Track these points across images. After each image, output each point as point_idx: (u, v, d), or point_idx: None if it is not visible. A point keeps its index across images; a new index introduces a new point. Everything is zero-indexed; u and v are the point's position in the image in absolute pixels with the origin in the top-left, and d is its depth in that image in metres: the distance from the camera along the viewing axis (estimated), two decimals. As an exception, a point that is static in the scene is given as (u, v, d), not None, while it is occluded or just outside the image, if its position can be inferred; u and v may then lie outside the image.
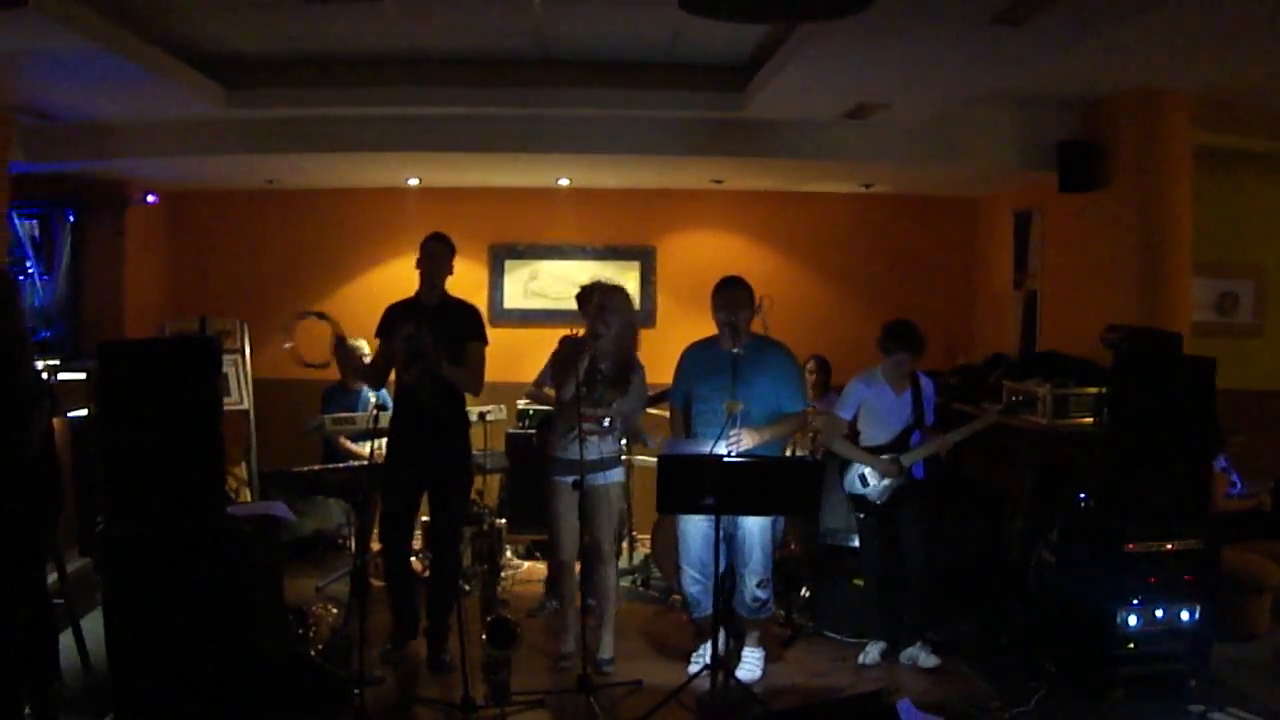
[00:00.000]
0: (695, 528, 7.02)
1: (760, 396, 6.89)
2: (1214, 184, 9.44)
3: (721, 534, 6.59)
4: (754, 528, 6.98)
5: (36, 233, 10.01)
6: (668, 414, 7.58)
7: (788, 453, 8.05)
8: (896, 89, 7.62)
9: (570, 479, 6.93)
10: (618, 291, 7.23)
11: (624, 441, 7.48)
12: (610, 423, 7.07)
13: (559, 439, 7.11)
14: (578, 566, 7.30)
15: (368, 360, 8.35)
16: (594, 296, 7.21)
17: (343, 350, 7.25)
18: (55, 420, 6.96)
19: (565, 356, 7.01)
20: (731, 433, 6.69)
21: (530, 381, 8.61)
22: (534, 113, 8.61)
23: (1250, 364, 9.57)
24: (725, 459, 6.43)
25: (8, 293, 5.98)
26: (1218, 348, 7.34)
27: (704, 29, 7.39)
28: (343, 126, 8.78)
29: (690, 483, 6.25)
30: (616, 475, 7.21)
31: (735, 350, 6.72)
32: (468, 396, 7.26)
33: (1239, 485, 8.30)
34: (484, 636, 6.66)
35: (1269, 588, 7.90)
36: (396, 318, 7.16)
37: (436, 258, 7.16)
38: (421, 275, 7.18)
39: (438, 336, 6.95)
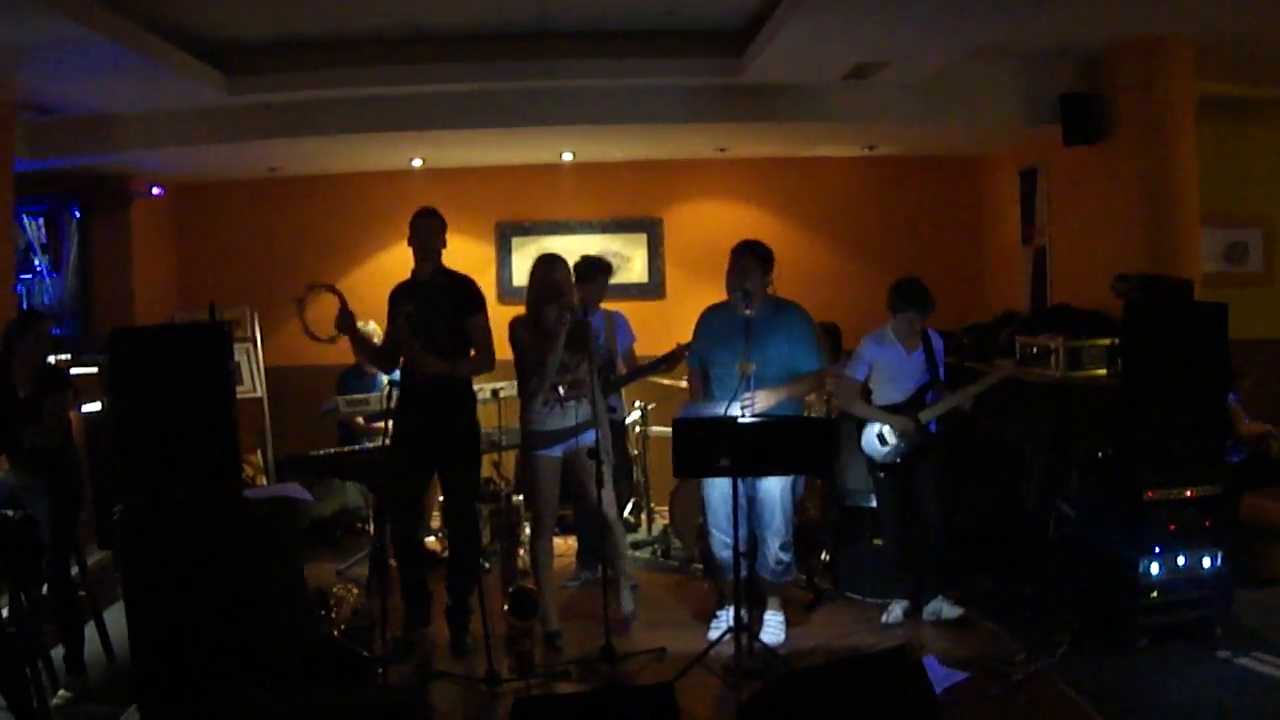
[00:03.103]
0: (719, 492, 7.02)
1: (776, 358, 6.88)
2: (1220, 134, 9.43)
3: (744, 497, 6.60)
4: (774, 489, 6.97)
5: (43, 230, 10.02)
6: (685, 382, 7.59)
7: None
8: (895, 46, 7.58)
9: (556, 450, 7.02)
10: (563, 263, 7.19)
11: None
12: (582, 384, 7.06)
13: (535, 413, 7.08)
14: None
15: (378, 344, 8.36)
16: (554, 272, 7.12)
17: (348, 324, 7.19)
18: (72, 414, 7.00)
19: (546, 336, 6.96)
20: (745, 395, 6.69)
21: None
22: (534, 85, 8.57)
23: (1261, 313, 9.54)
24: (739, 420, 6.44)
25: None
26: (1228, 298, 7.29)
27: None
28: (343, 108, 8.77)
29: (705, 445, 6.26)
30: (593, 437, 7.10)
31: (747, 313, 6.70)
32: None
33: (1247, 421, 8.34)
34: (505, 608, 6.68)
35: (1290, 533, 7.89)
36: (398, 299, 7.16)
37: (427, 232, 7.10)
38: (415, 251, 7.15)
39: (435, 313, 6.95)
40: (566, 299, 6.98)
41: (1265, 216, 10.16)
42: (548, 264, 7.12)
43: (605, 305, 8.66)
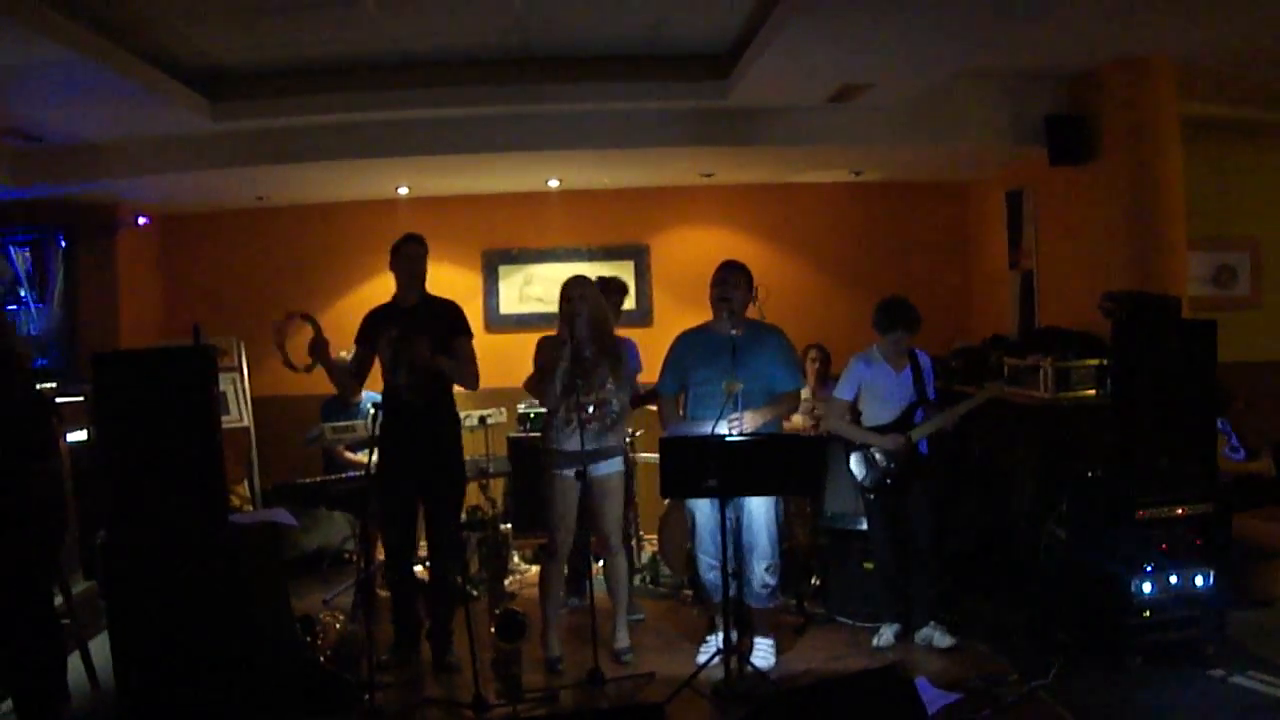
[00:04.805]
0: (705, 514, 6.99)
1: (757, 378, 6.85)
2: (1209, 158, 9.46)
3: (730, 519, 6.57)
4: (759, 511, 6.95)
5: (29, 261, 9.99)
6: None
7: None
8: (878, 68, 7.56)
9: (572, 470, 6.91)
10: (580, 281, 7.17)
11: (626, 434, 7.41)
12: (607, 406, 7.03)
13: (558, 432, 7.06)
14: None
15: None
16: (571, 289, 7.13)
17: (321, 352, 7.18)
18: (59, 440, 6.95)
19: (548, 357, 7.00)
20: (733, 415, 6.66)
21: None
22: (519, 110, 8.55)
23: (1249, 336, 9.53)
24: (727, 439, 6.40)
25: None
26: (1217, 323, 7.29)
27: (686, 18, 7.39)
28: (329, 135, 8.73)
29: (693, 465, 6.22)
30: (619, 465, 7.17)
31: (734, 333, 6.69)
32: (458, 398, 7.24)
33: (1240, 450, 8.29)
34: (493, 630, 6.63)
35: (1283, 553, 7.86)
36: (377, 323, 7.15)
37: (416, 259, 7.14)
38: (399, 277, 7.17)
39: (424, 336, 6.92)
40: (576, 317, 6.99)
41: (1253, 239, 10.17)
42: (568, 283, 7.14)
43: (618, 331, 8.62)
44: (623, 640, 7.30)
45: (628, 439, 8.94)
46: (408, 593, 7.29)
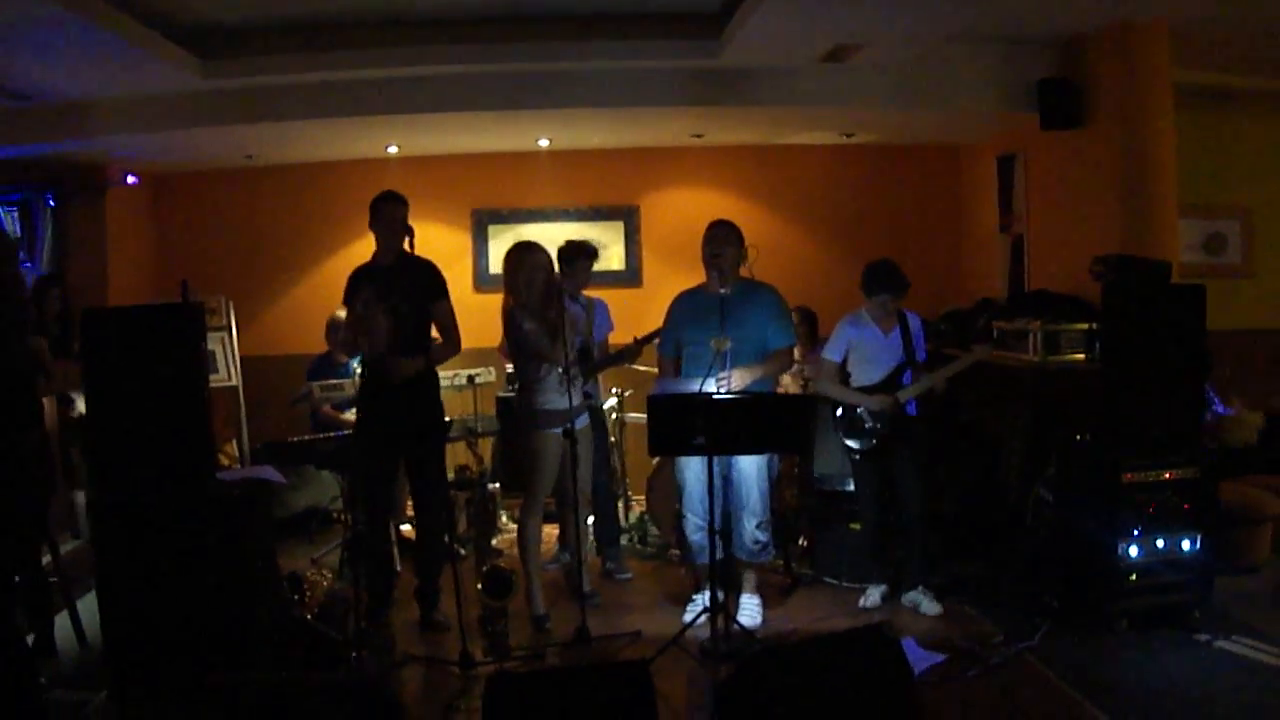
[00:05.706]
0: (694, 473, 6.99)
1: (749, 336, 6.87)
2: (1201, 125, 9.44)
3: (720, 478, 6.58)
4: (750, 469, 6.95)
5: (17, 222, 9.95)
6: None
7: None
8: (871, 27, 7.54)
9: (561, 428, 6.94)
10: (517, 250, 7.21)
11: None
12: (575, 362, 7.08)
13: (548, 394, 7.05)
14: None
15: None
16: (546, 257, 7.16)
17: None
18: (45, 400, 6.93)
19: (551, 323, 6.99)
20: (722, 373, 6.67)
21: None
22: (510, 69, 8.50)
23: (1239, 304, 9.55)
24: (714, 397, 6.41)
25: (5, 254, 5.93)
26: (1207, 288, 7.29)
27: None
28: (319, 93, 8.68)
29: (681, 422, 6.22)
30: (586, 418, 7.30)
31: (723, 290, 6.71)
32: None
33: (1219, 407, 8.32)
34: (479, 587, 6.64)
35: (1268, 519, 7.88)
36: (359, 283, 7.09)
37: (395, 219, 7.01)
38: (378, 236, 7.11)
39: (401, 298, 6.90)
40: (559, 284, 7.06)
41: (1244, 208, 10.15)
42: (539, 250, 7.14)
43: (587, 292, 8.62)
44: (588, 583, 7.35)
45: (616, 398, 9.02)
46: (383, 553, 7.29)
